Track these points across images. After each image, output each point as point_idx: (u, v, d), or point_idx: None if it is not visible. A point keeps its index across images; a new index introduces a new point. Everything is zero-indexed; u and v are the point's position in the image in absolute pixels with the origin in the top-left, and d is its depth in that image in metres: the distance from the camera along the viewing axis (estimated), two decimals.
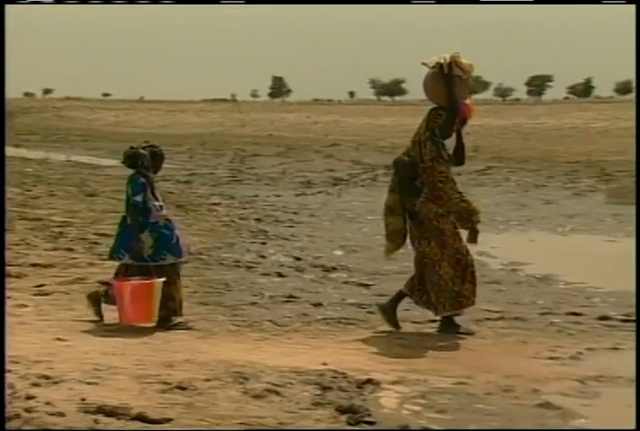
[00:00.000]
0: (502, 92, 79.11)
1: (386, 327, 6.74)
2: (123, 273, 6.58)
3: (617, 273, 7.03)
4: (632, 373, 5.67)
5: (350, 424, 4.46)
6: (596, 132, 32.69)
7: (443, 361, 5.95)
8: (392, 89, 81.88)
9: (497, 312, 7.33)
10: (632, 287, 8.22)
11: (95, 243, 10.17)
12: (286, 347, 6.15)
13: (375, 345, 6.32)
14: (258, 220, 13.09)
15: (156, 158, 6.68)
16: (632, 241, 11.44)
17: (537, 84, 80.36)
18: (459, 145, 6.85)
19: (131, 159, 6.62)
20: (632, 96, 67.17)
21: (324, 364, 5.63)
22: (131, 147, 6.72)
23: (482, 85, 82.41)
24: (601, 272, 8.72)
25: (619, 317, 7.21)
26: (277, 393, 4.86)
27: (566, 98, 71.11)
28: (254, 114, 51.97)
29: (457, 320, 6.74)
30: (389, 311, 6.75)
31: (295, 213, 14.10)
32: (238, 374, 5.13)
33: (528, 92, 79.37)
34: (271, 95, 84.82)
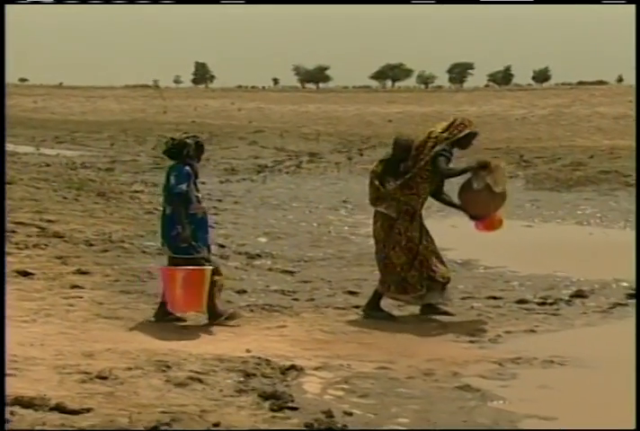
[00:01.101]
0: (425, 80, 79.87)
1: (310, 313, 6.78)
2: (167, 264, 6.50)
3: (534, 258, 7.21)
4: (547, 354, 5.83)
5: (273, 410, 4.48)
6: (515, 119, 33.30)
7: (366, 346, 6.02)
8: (316, 76, 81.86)
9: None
10: (548, 271, 8.44)
11: (13, 232, 9.93)
12: (209, 335, 6.13)
13: (298, 331, 6.35)
14: None
15: (199, 148, 6.63)
16: (549, 226, 11.74)
17: (459, 72, 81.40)
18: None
19: (177, 149, 6.54)
20: (549, 84, 68.62)
21: (248, 351, 5.64)
22: (172, 138, 6.65)
23: (405, 73, 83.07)
24: (520, 257, 8.92)
25: (536, 300, 7.39)
26: (200, 381, 4.85)
27: (487, 85, 72.19)
28: (177, 100, 51.35)
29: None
30: (374, 311, 6.82)
31: (219, 200, 14.02)
32: (160, 363, 5.10)
33: (450, 80, 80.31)
34: (195, 81, 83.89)
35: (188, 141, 6.55)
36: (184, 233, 6.34)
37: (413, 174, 6.76)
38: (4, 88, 16.61)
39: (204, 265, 6.38)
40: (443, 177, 6.84)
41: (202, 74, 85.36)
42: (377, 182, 6.87)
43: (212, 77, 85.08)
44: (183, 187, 6.40)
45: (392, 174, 6.85)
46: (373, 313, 6.81)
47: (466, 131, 6.83)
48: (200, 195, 6.58)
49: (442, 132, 6.82)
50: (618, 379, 5.43)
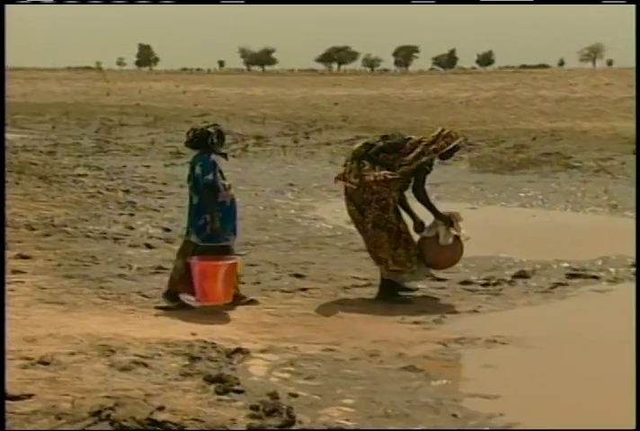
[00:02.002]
0: (371, 63, 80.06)
1: (257, 296, 6.77)
2: (192, 252, 6.48)
3: (478, 239, 7.28)
4: (490, 334, 5.92)
5: (218, 393, 4.48)
6: (459, 102, 33.57)
7: (312, 329, 6.04)
8: (262, 59, 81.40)
9: (365, 279, 7.48)
10: (492, 253, 8.55)
11: None
12: (154, 319, 6.09)
13: (245, 314, 6.35)
14: (126, 191, 12.82)
15: (221, 136, 6.64)
16: (492, 209, 11.88)
17: (404, 55, 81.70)
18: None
19: (200, 138, 6.55)
20: (493, 67, 69.22)
21: (193, 334, 5.62)
22: (193, 128, 6.67)
23: (350, 56, 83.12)
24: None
25: (480, 281, 7.48)
26: (144, 365, 4.82)
27: (432, 69, 72.61)
28: (121, 83, 50.66)
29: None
30: (391, 295, 6.89)
31: (164, 184, 13.88)
32: (104, 347, 5.06)
33: (396, 63, 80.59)
34: (138, 64, 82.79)
35: (210, 130, 6.59)
36: (214, 222, 6.42)
37: (391, 170, 6.83)
38: (4, 87, 16.28)
39: (229, 252, 6.50)
40: (415, 194, 6.94)
41: (146, 57, 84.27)
42: (354, 163, 6.89)
43: (156, 59, 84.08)
44: (210, 177, 6.45)
45: (369, 159, 6.89)
46: (393, 299, 6.85)
47: (454, 144, 6.93)
48: (226, 182, 6.61)
49: (431, 143, 6.87)
50: (559, 357, 5.55)
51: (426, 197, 6.94)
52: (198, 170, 6.51)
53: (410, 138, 7.00)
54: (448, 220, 6.92)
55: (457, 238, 6.89)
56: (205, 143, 6.55)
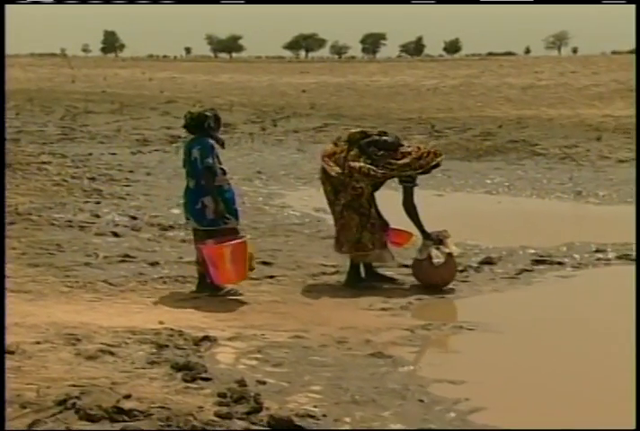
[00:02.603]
0: (338, 50, 79.82)
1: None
2: (202, 238, 6.52)
3: (445, 226, 7.31)
4: (456, 320, 5.96)
5: (185, 381, 4.47)
6: (426, 89, 33.63)
7: (279, 316, 6.05)
8: (229, 45, 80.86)
9: (333, 266, 7.50)
10: (459, 239, 8.58)
11: None
12: (121, 307, 6.06)
13: (212, 302, 6.34)
14: (92, 179, 12.70)
15: (218, 120, 6.63)
16: (459, 195, 11.94)
17: (372, 42, 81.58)
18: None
19: (198, 121, 6.53)
20: (460, 55, 69.45)
21: (161, 322, 5.60)
22: (190, 112, 6.67)
23: (318, 43, 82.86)
24: (431, 226, 9.04)
25: None
26: (111, 354, 4.80)
27: (399, 56, 72.62)
28: (86, 70, 50.06)
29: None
30: (368, 281, 6.97)
31: (131, 171, 13.79)
32: (70, 336, 5.02)
33: (363, 50, 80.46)
34: (104, 50, 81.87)
35: (207, 114, 6.60)
36: (218, 206, 6.44)
37: (373, 165, 6.88)
38: (4, 85, 15.98)
39: (230, 236, 6.50)
40: (404, 207, 7.01)
41: (112, 43, 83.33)
42: (346, 145, 6.96)
43: (122, 46, 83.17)
44: (210, 160, 6.46)
45: (359, 147, 6.94)
46: (361, 286, 6.90)
47: (437, 161, 7.04)
48: (224, 167, 6.62)
49: (419, 157, 6.97)
50: (525, 342, 5.61)
51: (415, 212, 7.03)
52: (196, 153, 6.50)
53: (402, 144, 7.09)
54: (437, 238, 6.98)
55: (449, 255, 6.96)
56: (202, 127, 6.55)
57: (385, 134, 7.13)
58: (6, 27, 9.40)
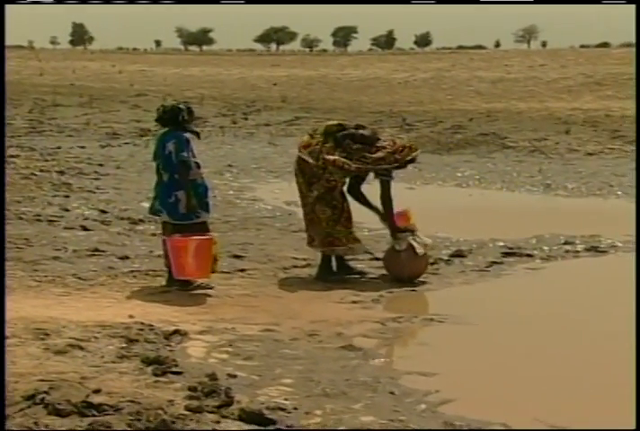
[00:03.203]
0: (310, 43, 79.77)
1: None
2: (171, 231, 6.48)
3: (416, 219, 7.34)
4: (427, 312, 5.99)
5: (156, 375, 4.45)
6: (397, 83, 33.69)
7: (250, 309, 6.04)
8: (199, 38, 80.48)
9: (304, 259, 7.49)
10: (429, 232, 8.62)
11: None
12: (91, 302, 6.02)
13: (182, 296, 6.31)
14: (61, 172, 12.59)
15: (191, 113, 6.58)
16: (430, 188, 11.98)
17: (343, 36, 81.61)
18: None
19: (171, 114, 6.47)
20: (431, 48, 69.64)
21: (131, 316, 5.57)
22: (163, 105, 6.62)
23: (289, 36, 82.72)
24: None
25: None
26: (80, 348, 4.76)
27: (370, 49, 72.70)
28: (54, 62, 49.59)
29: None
30: (340, 274, 6.94)
31: (100, 165, 13.68)
32: (39, 331, 4.98)
33: (334, 44, 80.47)
34: (72, 43, 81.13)
35: (181, 106, 6.54)
36: (190, 200, 6.41)
37: (347, 158, 6.87)
38: (4, 85, 15.71)
39: (201, 230, 6.48)
40: (381, 200, 7.01)
41: (80, 36, 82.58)
42: (322, 137, 6.94)
43: (91, 38, 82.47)
44: (185, 154, 6.42)
45: (334, 140, 6.91)
46: (329, 278, 6.90)
47: (412, 156, 7.02)
48: (198, 161, 6.58)
49: (394, 152, 6.94)
50: (494, 334, 5.64)
51: (391, 206, 7.02)
52: (171, 146, 6.45)
53: (379, 138, 7.07)
54: (411, 231, 6.99)
55: (425, 246, 6.99)
56: (176, 120, 6.50)
57: (362, 127, 7.12)
58: None
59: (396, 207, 7.12)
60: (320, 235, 6.97)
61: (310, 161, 6.89)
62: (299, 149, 7.06)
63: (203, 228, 6.59)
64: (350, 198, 7.09)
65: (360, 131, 7.01)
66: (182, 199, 6.48)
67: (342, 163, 6.85)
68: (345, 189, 7.06)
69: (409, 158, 7.04)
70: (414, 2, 20.42)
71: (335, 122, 7.20)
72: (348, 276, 7.02)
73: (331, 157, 6.85)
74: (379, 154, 6.91)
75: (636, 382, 4.38)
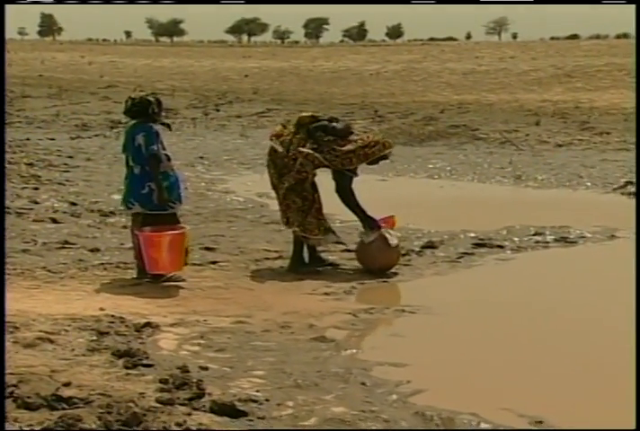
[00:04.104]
0: (281, 35, 79.58)
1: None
2: (142, 223, 6.46)
3: (388, 211, 7.36)
4: (398, 303, 6.01)
5: (127, 367, 4.43)
6: (369, 74, 33.71)
7: (222, 301, 6.02)
8: (170, 29, 79.97)
9: (276, 251, 7.49)
10: (401, 223, 8.65)
11: None
12: (60, 295, 5.98)
13: (154, 289, 6.29)
14: (30, 165, 12.47)
15: (160, 105, 6.52)
16: (402, 180, 12.01)
17: (314, 27, 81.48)
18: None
19: (141, 107, 6.40)
20: (402, 40, 69.71)
21: (102, 309, 5.54)
22: (132, 97, 6.54)
23: (260, 27, 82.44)
24: (374, 210, 9.10)
25: None
26: (50, 341, 4.73)
27: (342, 41, 72.65)
28: (22, 53, 49.10)
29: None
30: (312, 266, 6.94)
31: (70, 157, 13.58)
32: (8, 324, 4.93)
33: (306, 35, 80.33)
34: (41, 33, 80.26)
35: (150, 98, 6.48)
36: (162, 193, 6.40)
37: (318, 150, 6.86)
38: (4, 85, 15.46)
39: (172, 220, 6.50)
40: (341, 196, 6.98)
41: (49, 26, 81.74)
42: (294, 128, 6.94)
43: (60, 29, 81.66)
44: (154, 147, 6.38)
45: (307, 132, 6.90)
46: (301, 269, 6.89)
47: (384, 153, 7.01)
48: (168, 153, 6.55)
49: (364, 146, 6.91)
50: (466, 325, 5.68)
51: (353, 199, 7.00)
52: (140, 139, 6.41)
53: (352, 132, 7.06)
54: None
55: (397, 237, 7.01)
56: (145, 112, 6.45)
57: (336, 120, 7.10)
58: None
59: (382, 214, 7.14)
60: (297, 221, 6.96)
61: (280, 150, 6.88)
62: (271, 138, 7.05)
63: (173, 219, 6.58)
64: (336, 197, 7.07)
65: (334, 124, 7.00)
66: (155, 190, 6.46)
67: (313, 157, 6.85)
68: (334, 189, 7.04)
69: (381, 154, 7.02)
70: (414, 2, 20.43)
71: (309, 114, 7.19)
72: (320, 267, 7.03)
73: (305, 151, 6.84)
74: (349, 147, 6.90)
75: (636, 380, 4.35)
